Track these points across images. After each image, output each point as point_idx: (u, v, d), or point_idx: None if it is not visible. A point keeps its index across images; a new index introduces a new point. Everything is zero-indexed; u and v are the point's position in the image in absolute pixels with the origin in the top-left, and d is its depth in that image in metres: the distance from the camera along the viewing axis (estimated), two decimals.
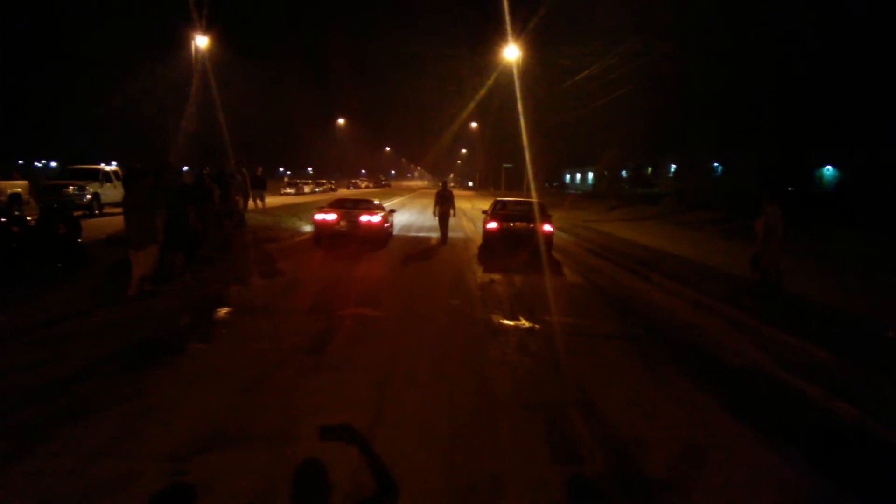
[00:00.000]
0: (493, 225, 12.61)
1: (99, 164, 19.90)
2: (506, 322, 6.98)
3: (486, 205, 16.94)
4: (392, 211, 13.41)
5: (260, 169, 21.37)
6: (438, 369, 5.17)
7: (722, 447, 3.88)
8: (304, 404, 4.30)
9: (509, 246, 12.29)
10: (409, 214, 24.62)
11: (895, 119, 22.51)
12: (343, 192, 48.21)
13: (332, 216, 12.57)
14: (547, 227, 12.44)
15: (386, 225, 13.64)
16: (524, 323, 6.97)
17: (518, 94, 31.20)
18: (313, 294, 8.20)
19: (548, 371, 5.30)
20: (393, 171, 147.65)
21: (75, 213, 11.21)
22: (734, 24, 24.89)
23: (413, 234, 16.72)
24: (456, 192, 59.51)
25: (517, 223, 12.61)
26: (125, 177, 9.29)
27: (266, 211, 20.02)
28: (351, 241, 12.32)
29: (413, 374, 5.02)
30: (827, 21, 22.68)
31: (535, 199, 14.86)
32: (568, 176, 71.35)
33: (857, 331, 7.01)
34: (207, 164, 14.37)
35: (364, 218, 12.48)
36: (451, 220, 15.06)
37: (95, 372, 4.77)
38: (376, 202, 14.15)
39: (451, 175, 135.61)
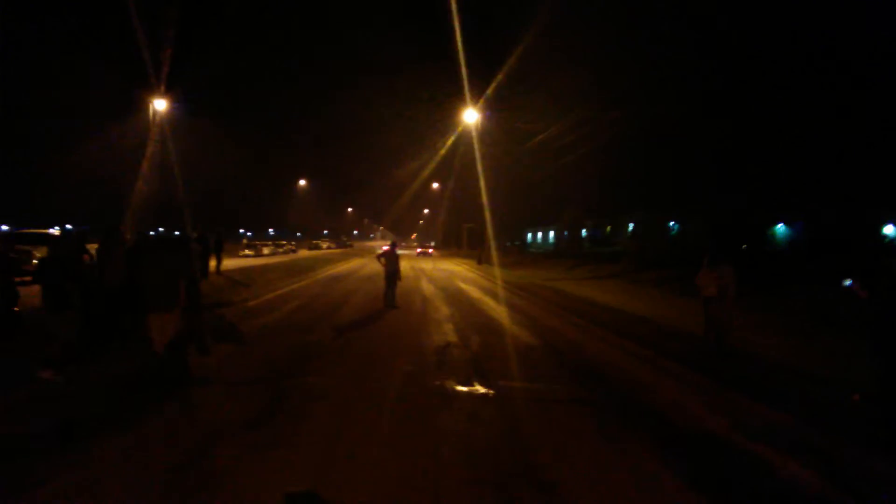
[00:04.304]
0: (419, 250, 63.21)
1: (49, 229, 19.25)
2: (460, 389, 6.68)
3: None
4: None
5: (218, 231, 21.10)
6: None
7: None
8: (247, 481, 3.89)
9: (422, 255, 56.20)
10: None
11: (833, 181, 23.70)
12: (304, 254, 47.70)
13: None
14: (431, 251, 63.24)
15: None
16: (479, 388, 6.68)
17: (477, 156, 31.87)
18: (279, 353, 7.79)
19: (500, 441, 5.00)
20: (356, 231, 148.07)
21: (17, 279, 10.56)
22: (683, 86, 26.09)
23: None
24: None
25: (424, 250, 61.08)
26: (138, 241, 8.97)
27: (222, 274, 19.43)
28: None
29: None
30: (762, 81, 23.98)
31: (433, 244, 78.46)
32: (529, 235, 72.42)
33: (817, 392, 6.94)
34: (197, 228, 14.69)
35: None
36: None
37: (15, 453, 4.30)
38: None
39: (414, 235, 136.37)
